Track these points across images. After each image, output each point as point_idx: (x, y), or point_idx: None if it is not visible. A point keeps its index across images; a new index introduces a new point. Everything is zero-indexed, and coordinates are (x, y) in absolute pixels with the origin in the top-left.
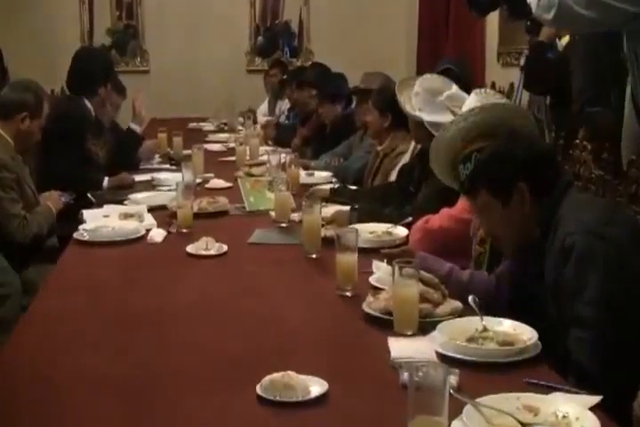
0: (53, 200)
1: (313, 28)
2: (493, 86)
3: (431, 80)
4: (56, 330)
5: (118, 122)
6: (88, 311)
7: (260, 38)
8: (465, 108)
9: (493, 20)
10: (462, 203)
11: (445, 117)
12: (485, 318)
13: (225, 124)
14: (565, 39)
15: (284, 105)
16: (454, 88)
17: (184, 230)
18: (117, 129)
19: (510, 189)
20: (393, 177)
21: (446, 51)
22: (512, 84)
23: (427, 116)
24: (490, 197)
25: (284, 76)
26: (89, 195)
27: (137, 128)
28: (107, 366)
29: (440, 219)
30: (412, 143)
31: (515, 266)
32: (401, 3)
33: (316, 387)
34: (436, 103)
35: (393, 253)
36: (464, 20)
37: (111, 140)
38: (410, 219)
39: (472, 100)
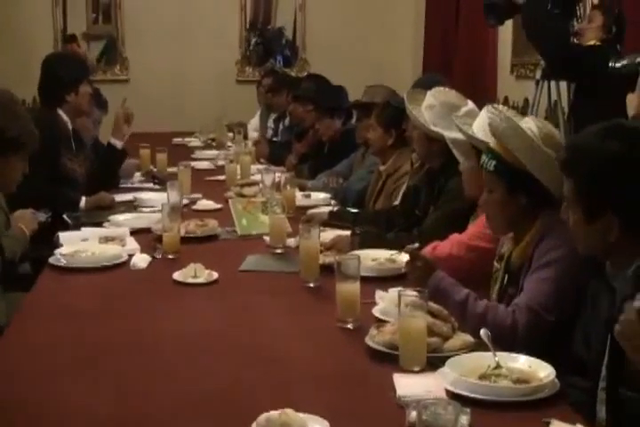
0: (26, 220)
1: (309, 35)
2: (506, 101)
3: (446, 94)
4: (30, 364)
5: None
6: (65, 344)
7: (251, 45)
8: (475, 127)
9: (507, 28)
10: (474, 228)
11: (460, 134)
12: (498, 353)
13: (213, 139)
14: None
15: (273, 118)
16: (470, 104)
17: (170, 256)
18: (98, 146)
19: (598, 211)
20: (397, 199)
21: (455, 62)
22: (527, 99)
23: (447, 133)
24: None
25: (269, 82)
26: (64, 216)
27: (117, 143)
28: (86, 403)
29: (450, 246)
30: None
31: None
32: (407, 10)
33: (317, 426)
34: (452, 119)
35: (415, 253)
36: (475, 29)
37: (91, 157)
38: (416, 245)
39: (483, 118)
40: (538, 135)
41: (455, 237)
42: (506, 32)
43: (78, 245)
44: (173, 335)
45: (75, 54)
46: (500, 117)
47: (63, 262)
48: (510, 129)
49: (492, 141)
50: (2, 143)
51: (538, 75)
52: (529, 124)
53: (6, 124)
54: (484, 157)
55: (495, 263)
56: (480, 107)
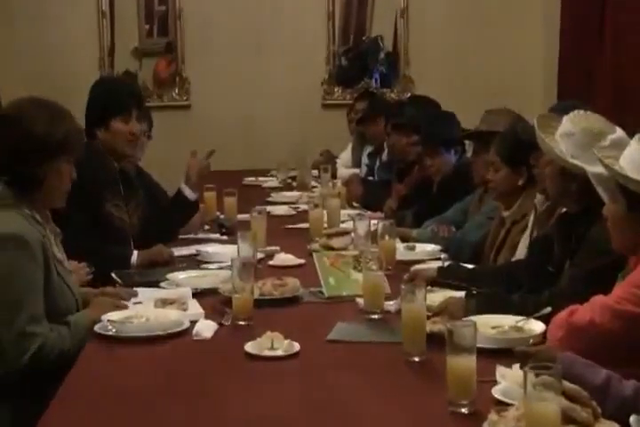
0: (75, 273)
1: (413, 47)
2: None
3: (588, 118)
4: None
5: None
6: None
7: (341, 61)
8: (623, 161)
9: None
10: (622, 288)
11: (602, 169)
12: None
13: (293, 178)
14: None
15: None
16: (619, 131)
17: (241, 323)
18: (149, 183)
19: None
20: (523, 252)
21: (599, 82)
22: None
23: (589, 167)
24: None
25: (363, 107)
26: (113, 274)
27: (190, 194)
28: None
29: (591, 310)
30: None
31: None
32: (537, 18)
33: None
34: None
35: (530, 351)
36: (625, 44)
37: (145, 203)
38: (549, 309)
39: (634, 149)
40: None
41: (598, 299)
42: None
43: (130, 310)
44: (244, 421)
45: (115, 80)
46: None
47: (112, 331)
48: None
49: None
50: (50, 147)
51: None
52: None
53: (52, 127)
54: None
55: None
56: (632, 135)
